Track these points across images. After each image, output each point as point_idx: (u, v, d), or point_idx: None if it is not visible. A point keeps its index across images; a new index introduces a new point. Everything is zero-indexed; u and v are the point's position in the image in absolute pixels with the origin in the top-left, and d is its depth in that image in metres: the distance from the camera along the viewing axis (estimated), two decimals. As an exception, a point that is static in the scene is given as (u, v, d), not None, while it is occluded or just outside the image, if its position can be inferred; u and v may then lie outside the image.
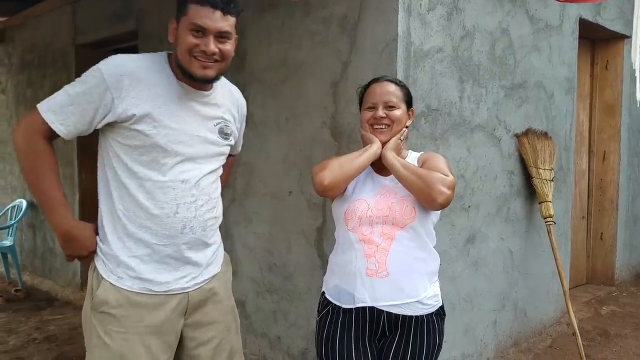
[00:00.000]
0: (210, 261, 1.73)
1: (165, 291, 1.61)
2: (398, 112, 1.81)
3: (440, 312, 1.81)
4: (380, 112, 1.79)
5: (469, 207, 2.90)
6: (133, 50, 4.09)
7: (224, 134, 1.72)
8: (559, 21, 3.54)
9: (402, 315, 1.73)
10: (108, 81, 1.52)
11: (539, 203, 3.34)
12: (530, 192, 3.38)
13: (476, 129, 2.90)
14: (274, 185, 3.02)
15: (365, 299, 1.73)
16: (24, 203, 5.20)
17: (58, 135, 1.56)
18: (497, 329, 3.19)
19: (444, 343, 1.88)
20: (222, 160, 1.77)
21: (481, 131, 2.94)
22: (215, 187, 1.73)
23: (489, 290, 3.10)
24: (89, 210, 4.72)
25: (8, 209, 5.13)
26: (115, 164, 1.59)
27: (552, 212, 3.30)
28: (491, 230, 3.09)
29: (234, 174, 3.23)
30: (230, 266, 1.89)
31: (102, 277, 1.60)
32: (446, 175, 1.71)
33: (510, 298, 3.29)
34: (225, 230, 3.30)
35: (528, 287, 3.46)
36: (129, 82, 1.53)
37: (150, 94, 1.56)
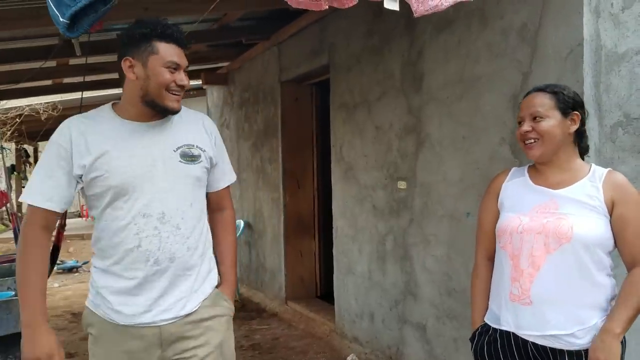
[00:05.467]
0: (183, 294, 1.70)
1: (133, 324, 1.66)
2: (545, 124, 1.66)
3: None
4: (525, 127, 1.70)
5: (689, 233, 2.39)
6: (326, 83, 4.40)
7: (189, 157, 1.72)
8: None
9: (551, 347, 1.58)
10: (60, 141, 1.64)
11: None
12: None
13: (695, 139, 2.41)
14: (451, 206, 2.92)
15: (509, 323, 1.66)
16: (242, 223, 5.91)
17: (55, 216, 1.64)
18: None
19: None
20: (195, 184, 1.75)
21: (703, 142, 2.43)
22: (187, 218, 1.71)
23: None
24: (294, 231, 5.16)
25: (229, 228, 5.84)
26: (90, 210, 1.73)
27: None
28: None
29: (412, 194, 3.22)
30: (221, 303, 1.83)
31: (86, 304, 1.74)
32: None
33: None
34: (405, 251, 3.30)
35: None
36: (76, 134, 1.63)
37: (97, 139, 1.64)
